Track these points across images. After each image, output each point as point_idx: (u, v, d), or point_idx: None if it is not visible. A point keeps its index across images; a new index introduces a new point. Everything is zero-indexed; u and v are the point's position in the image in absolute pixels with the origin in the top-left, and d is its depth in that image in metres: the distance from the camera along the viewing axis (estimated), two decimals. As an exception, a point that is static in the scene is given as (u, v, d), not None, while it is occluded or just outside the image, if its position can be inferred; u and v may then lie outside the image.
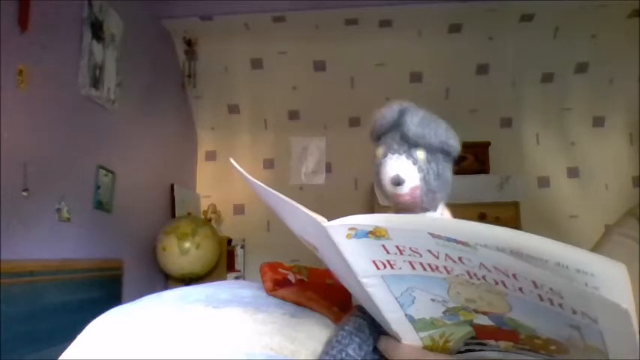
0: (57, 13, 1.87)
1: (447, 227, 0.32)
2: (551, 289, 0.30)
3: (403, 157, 0.46)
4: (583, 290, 0.28)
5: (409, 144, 0.46)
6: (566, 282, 0.29)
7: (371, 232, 0.35)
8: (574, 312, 0.31)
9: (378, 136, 0.50)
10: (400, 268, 0.37)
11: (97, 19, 2.13)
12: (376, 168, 0.49)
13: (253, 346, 0.54)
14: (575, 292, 0.29)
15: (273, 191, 0.41)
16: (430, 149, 0.47)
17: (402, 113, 0.48)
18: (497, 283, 0.34)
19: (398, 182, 0.46)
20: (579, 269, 0.27)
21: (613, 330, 0.30)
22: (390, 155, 0.47)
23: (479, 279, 0.34)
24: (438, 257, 0.34)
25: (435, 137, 0.47)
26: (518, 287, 0.33)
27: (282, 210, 0.45)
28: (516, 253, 0.29)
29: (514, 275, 0.32)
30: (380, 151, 0.48)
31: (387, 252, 0.36)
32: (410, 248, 0.35)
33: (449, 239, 0.32)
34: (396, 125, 0.48)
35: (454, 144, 0.48)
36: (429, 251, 0.34)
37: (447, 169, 0.48)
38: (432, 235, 0.33)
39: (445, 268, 0.35)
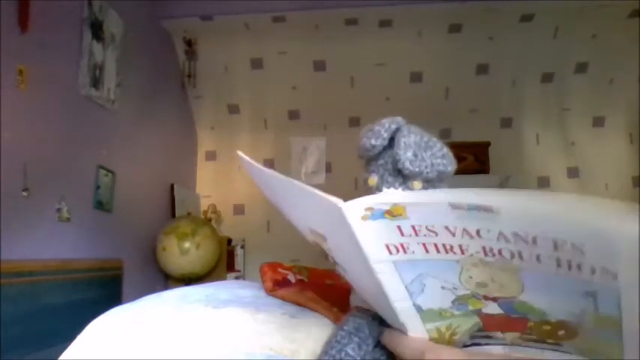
0: (57, 13, 1.87)
1: (469, 196, 0.32)
2: (572, 245, 0.30)
3: (399, 191, 0.45)
4: (607, 238, 0.28)
5: (404, 175, 0.45)
6: (590, 237, 0.29)
7: (387, 212, 0.35)
8: (593, 271, 0.31)
9: (367, 160, 0.48)
10: (413, 252, 0.37)
11: (97, 19, 2.13)
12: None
13: (253, 346, 0.54)
14: (598, 241, 0.29)
15: (284, 177, 0.41)
16: (426, 179, 0.45)
17: (392, 141, 0.45)
18: (513, 257, 0.33)
19: None
20: (604, 229, 0.28)
21: (633, 283, 0.30)
22: (385, 189, 0.45)
23: (494, 254, 0.34)
24: (454, 234, 0.34)
25: (432, 170, 0.45)
26: (536, 255, 0.32)
27: (290, 198, 0.45)
28: (541, 216, 0.30)
29: (534, 239, 0.31)
30: (372, 181, 0.46)
31: (402, 234, 0.36)
32: (426, 227, 0.35)
33: (470, 207, 0.32)
34: (387, 150, 0.46)
35: (450, 169, 0.46)
36: (446, 228, 0.34)
37: (443, 188, 0.48)
38: (453, 205, 0.32)
39: (460, 247, 0.35)
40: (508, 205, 0.31)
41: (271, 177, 0.43)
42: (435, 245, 0.36)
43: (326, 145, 3.24)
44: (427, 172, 0.44)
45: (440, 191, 0.40)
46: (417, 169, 0.44)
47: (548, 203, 0.30)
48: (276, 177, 0.42)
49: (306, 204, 0.42)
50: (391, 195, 0.35)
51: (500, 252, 0.34)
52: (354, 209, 0.36)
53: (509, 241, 0.33)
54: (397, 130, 0.45)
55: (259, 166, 0.45)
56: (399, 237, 0.36)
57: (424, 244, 0.36)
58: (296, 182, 0.40)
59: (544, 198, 0.30)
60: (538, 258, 0.32)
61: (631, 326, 0.32)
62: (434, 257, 0.37)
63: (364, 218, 0.36)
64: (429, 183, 0.46)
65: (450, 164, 0.46)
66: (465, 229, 0.34)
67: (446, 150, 0.46)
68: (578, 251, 0.30)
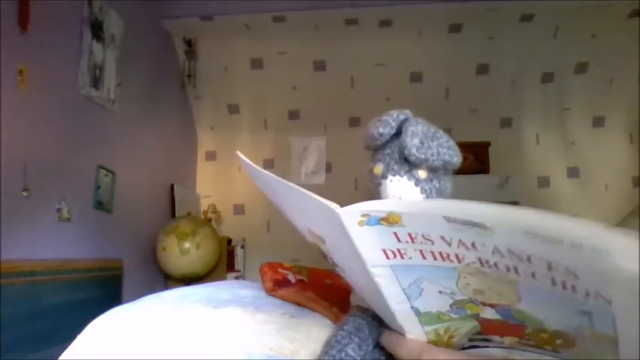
0: (57, 13, 1.87)
1: (463, 209, 0.32)
2: (566, 268, 0.30)
3: (405, 179, 0.45)
4: (599, 265, 0.28)
5: (410, 163, 0.45)
6: (582, 262, 0.28)
7: (383, 219, 0.35)
8: (587, 294, 0.31)
9: (374, 149, 0.48)
10: (410, 258, 0.37)
11: (97, 19, 2.13)
12: (374, 186, 0.47)
13: (253, 345, 0.54)
14: (591, 268, 0.29)
15: (282, 180, 0.41)
16: (432, 168, 0.46)
17: (399, 130, 0.45)
18: (509, 270, 0.33)
19: None
20: (594, 248, 0.27)
21: (626, 310, 0.29)
22: (390, 177, 0.45)
23: (490, 266, 0.34)
24: (450, 244, 0.34)
25: (438, 158, 0.45)
26: (531, 272, 0.32)
27: (289, 200, 0.45)
28: (532, 234, 0.29)
29: (528, 258, 0.31)
30: (378, 169, 0.46)
31: (399, 240, 0.36)
32: (422, 235, 0.34)
33: (464, 222, 0.32)
34: (394, 140, 0.46)
35: (456, 160, 0.46)
36: (442, 238, 0.34)
37: (447, 182, 0.47)
38: (447, 219, 0.32)
39: (456, 256, 0.35)
40: (501, 225, 0.30)
41: (270, 179, 0.43)
42: (432, 253, 0.35)
43: (326, 145, 3.24)
44: (433, 160, 0.44)
45: (435, 202, 0.40)
46: (422, 156, 0.44)
47: (543, 225, 0.29)
48: (275, 179, 0.42)
49: (305, 206, 0.42)
50: (387, 203, 0.35)
51: (495, 264, 0.33)
52: (350, 215, 0.35)
53: (504, 256, 0.32)
54: (405, 120, 0.46)
55: (258, 167, 0.45)
56: (395, 243, 0.36)
57: (421, 251, 0.36)
58: (294, 185, 0.39)
59: (539, 218, 0.29)
60: (533, 275, 0.32)
61: (627, 348, 0.32)
62: (431, 263, 0.36)
63: (361, 224, 0.36)
64: (434, 173, 0.46)
65: (455, 155, 0.46)
66: (460, 241, 0.33)
67: (452, 142, 0.46)
68: (572, 275, 0.30)
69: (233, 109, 3.27)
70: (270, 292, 0.70)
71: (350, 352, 0.46)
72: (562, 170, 3.09)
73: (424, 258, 0.36)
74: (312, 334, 0.57)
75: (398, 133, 0.46)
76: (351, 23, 2.85)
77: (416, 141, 0.44)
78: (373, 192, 0.47)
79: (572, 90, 3.04)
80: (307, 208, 0.41)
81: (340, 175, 3.13)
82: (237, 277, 3.01)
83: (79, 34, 2.02)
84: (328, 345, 0.48)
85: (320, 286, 0.73)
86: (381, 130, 0.46)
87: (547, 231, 0.28)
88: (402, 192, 0.45)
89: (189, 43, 3.01)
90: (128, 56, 2.37)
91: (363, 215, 0.35)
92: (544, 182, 3.10)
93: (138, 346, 0.56)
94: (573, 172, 3.09)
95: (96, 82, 2.12)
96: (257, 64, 3.10)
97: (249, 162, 0.46)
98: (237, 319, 0.59)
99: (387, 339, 0.46)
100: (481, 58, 3.01)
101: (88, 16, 2.05)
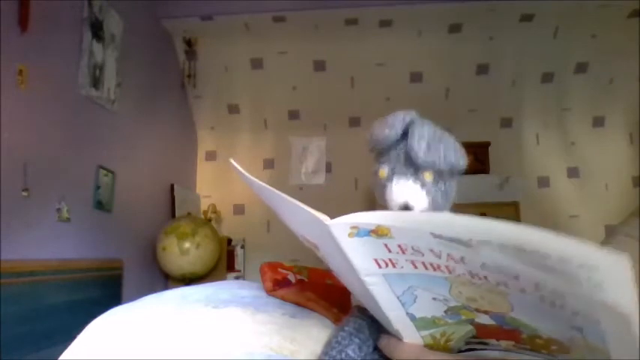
0: (57, 13, 1.87)
1: (449, 226, 0.32)
2: (553, 290, 0.30)
3: (410, 182, 0.45)
4: (585, 292, 0.28)
5: (416, 166, 0.45)
6: (569, 283, 0.28)
7: (373, 231, 0.35)
8: (576, 314, 0.31)
9: (379, 151, 0.48)
10: (402, 267, 0.37)
11: (97, 19, 2.13)
12: (380, 188, 0.47)
13: (253, 345, 0.54)
14: (577, 294, 0.28)
15: (275, 190, 0.41)
16: (438, 171, 0.45)
17: (406, 132, 0.45)
18: (498, 284, 0.33)
19: (407, 208, 0.45)
20: (582, 264, 0.27)
21: (615, 332, 0.29)
22: (396, 180, 0.45)
23: (480, 279, 0.34)
24: (440, 257, 0.34)
25: (445, 162, 0.44)
26: (520, 288, 0.32)
27: (283, 209, 0.45)
28: (519, 249, 0.29)
29: (516, 276, 0.31)
30: (384, 171, 0.46)
31: (389, 251, 0.36)
32: (412, 247, 0.35)
33: (451, 239, 0.32)
34: (399, 142, 0.46)
35: (462, 163, 0.46)
36: (431, 250, 0.34)
37: (453, 185, 0.47)
38: (434, 235, 0.32)
39: (447, 267, 0.35)
40: (486, 242, 0.30)
41: (262, 189, 0.43)
42: (423, 263, 0.36)
43: (326, 145, 3.24)
44: (440, 164, 0.44)
45: (421, 216, 0.39)
46: (430, 160, 0.44)
47: (527, 244, 0.28)
48: (267, 189, 0.42)
49: (297, 216, 0.42)
50: (375, 215, 0.35)
51: (485, 277, 0.33)
52: (339, 227, 0.35)
53: (492, 272, 0.32)
54: (411, 122, 0.46)
55: (251, 177, 0.45)
56: (386, 253, 0.36)
57: (412, 261, 0.36)
58: (285, 196, 0.40)
59: (526, 237, 0.28)
60: (522, 290, 0.32)
61: (620, 357, 0.31)
62: (423, 273, 0.36)
63: (350, 235, 0.36)
64: (440, 176, 0.46)
65: (462, 158, 0.46)
66: (449, 255, 0.33)
67: (458, 144, 0.46)
68: (559, 295, 0.30)
69: (233, 109, 3.27)
70: (270, 292, 0.70)
71: (350, 353, 0.46)
72: (562, 170, 3.09)
73: (415, 267, 0.36)
74: (312, 334, 0.57)
75: (403, 134, 0.46)
76: (351, 23, 2.85)
77: (423, 144, 0.44)
78: (379, 193, 0.47)
79: (572, 90, 3.04)
80: (300, 218, 0.41)
81: (340, 175, 3.13)
82: (237, 277, 3.01)
83: (79, 34, 2.02)
84: (328, 345, 0.48)
85: (320, 286, 0.73)
86: (386, 132, 0.46)
87: (534, 245, 0.28)
88: (407, 195, 0.45)
89: (189, 43, 3.00)
90: (128, 56, 2.37)
91: (353, 227, 0.35)
92: (544, 182, 3.10)
93: (138, 346, 0.56)
94: (573, 172, 3.09)
95: (96, 82, 2.12)
96: (257, 64, 3.10)
97: (243, 171, 0.46)
98: (237, 319, 0.59)
99: (384, 343, 0.46)
100: (481, 58, 3.01)
101: (88, 16, 2.05)
